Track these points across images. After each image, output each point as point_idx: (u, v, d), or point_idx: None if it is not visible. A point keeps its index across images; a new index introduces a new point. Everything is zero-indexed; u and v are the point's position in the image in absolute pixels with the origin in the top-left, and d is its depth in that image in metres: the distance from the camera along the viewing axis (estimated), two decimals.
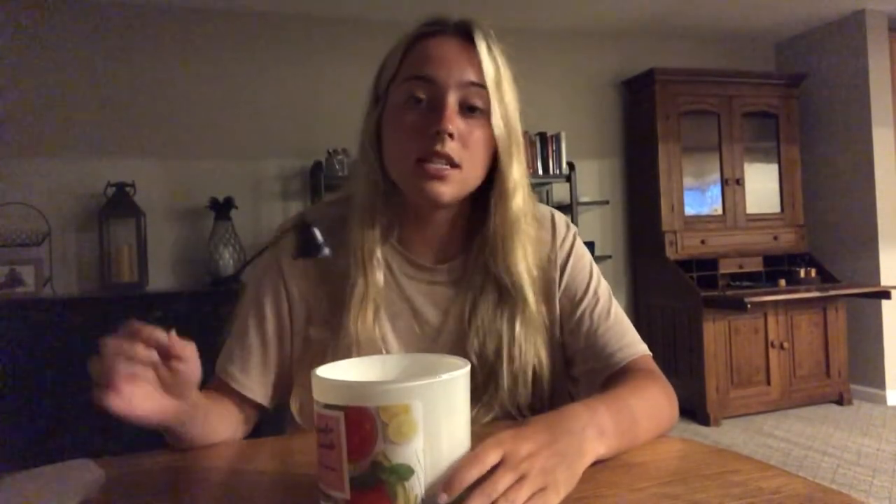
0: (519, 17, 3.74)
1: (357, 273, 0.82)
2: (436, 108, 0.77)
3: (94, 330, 2.55)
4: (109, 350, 0.59)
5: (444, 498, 0.49)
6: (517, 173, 0.81)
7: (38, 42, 3.13)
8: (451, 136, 0.76)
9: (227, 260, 3.14)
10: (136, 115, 3.27)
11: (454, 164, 0.77)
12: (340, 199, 0.91)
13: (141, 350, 0.60)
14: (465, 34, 0.80)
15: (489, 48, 0.79)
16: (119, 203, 3.07)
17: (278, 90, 3.48)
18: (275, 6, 3.42)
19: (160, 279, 3.26)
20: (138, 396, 0.61)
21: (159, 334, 0.61)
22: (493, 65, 0.78)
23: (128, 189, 3.09)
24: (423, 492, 0.49)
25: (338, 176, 3.27)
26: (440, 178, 0.77)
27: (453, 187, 0.78)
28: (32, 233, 3.00)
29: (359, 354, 0.79)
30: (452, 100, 0.77)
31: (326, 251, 0.77)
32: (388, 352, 0.83)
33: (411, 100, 0.78)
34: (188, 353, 0.64)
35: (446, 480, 0.50)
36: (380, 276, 0.84)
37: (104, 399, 0.58)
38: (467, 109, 0.78)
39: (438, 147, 0.76)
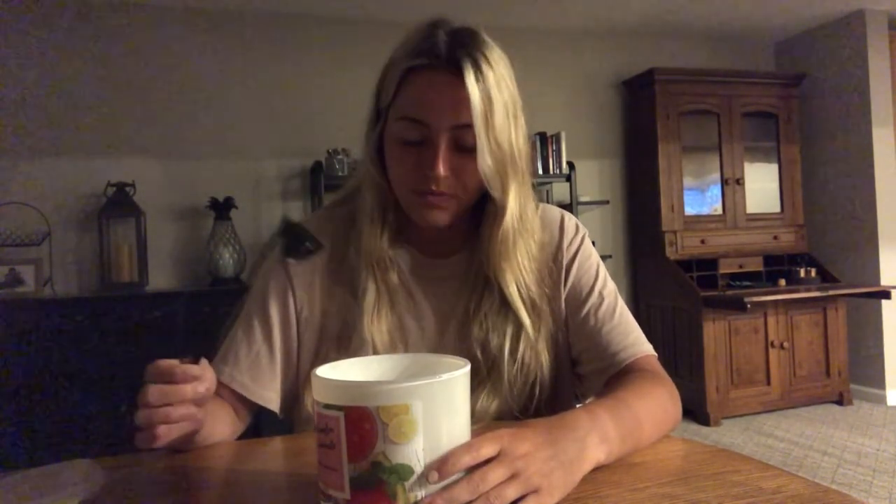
0: (519, 17, 3.74)
1: (367, 278, 0.84)
2: (429, 148, 0.78)
3: (94, 330, 2.54)
4: (156, 400, 0.63)
5: (434, 476, 0.49)
6: (512, 195, 0.81)
7: (37, 42, 3.13)
8: (445, 176, 0.78)
9: (227, 260, 3.15)
10: (136, 115, 3.27)
11: (450, 195, 0.80)
12: (345, 198, 0.93)
13: (189, 391, 0.65)
14: (456, 67, 0.76)
15: (479, 79, 0.76)
16: (119, 203, 3.07)
17: (278, 90, 3.48)
18: (274, 6, 3.42)
19: (160, 279, 3.26)
20: (175, 428, 0.66)
21: (193, 370, 0.65)
22: (483, 100, 0.75)
23: (128, 189, 3.10)
24: (424, 492, 0.49)
25: (338, 176, 3.28)
26: (437, 206, 0.80)
27: (450, 213, 0.82)
28: (32, 233, 3.00)
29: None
30: (444, 143, 0.78)
31: (317, 246, 0.77)
32: (400, 350, 0.85)
33: (406, 138, 0.80)
34: (209, 375, 0.68)
35: (440, 461, 0.50)
36: (393, 276, 0.86)
37: (149, 445, 0.64)
38: (461, 146, 0.79)
39: (434, 187, 0.79)
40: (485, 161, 0.77)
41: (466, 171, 0.79)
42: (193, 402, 0.66)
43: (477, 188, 0.81)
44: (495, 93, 0.77)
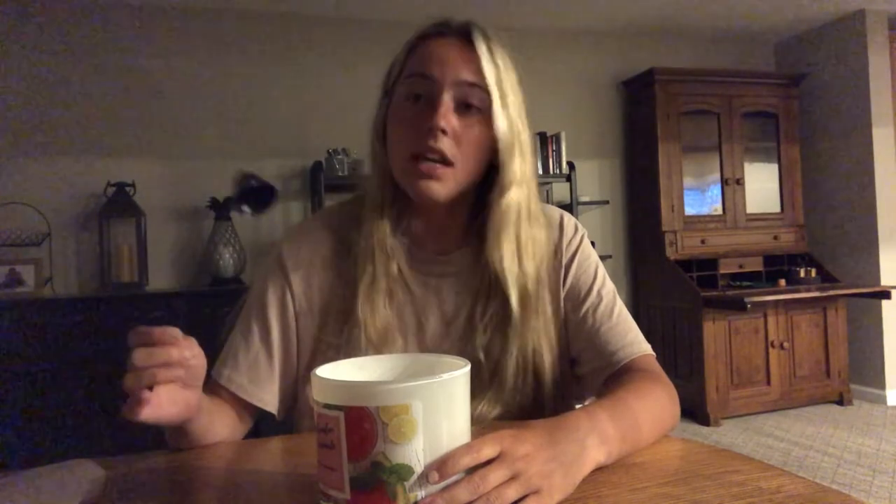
0: (519, 17, 3.74)
1: (366, 261, 0.84)
2: (432, 104, 0.79)
3: (94, 330, 2.54)
4: (142, 361, 0.60)
5: (434, 476, 0.49)
6: (518, 171, 0.82)
7: (38, 42, 3.14)
8: (444, 132, 0.77)
9: (227, 260, 3.14)
10: (136, 115, 3.27)
11: (447, 162, 0.79)
12: (355, 197, 0.93)
13: (175, 352, 0.61)
14: (466, 36, 0.81)
15: (489, 49, 0.80)
16: (119, 203, 3.07)
17: (278, 90, 3.48)
18: (274, 6, 3.42)
19: (160, 279, 3.26)
20: (165, 399, 0.62)
21: (176, 331, 0.62)
22: (493, 66, 0.79)
23: (128, 189, 3.10)
24: (424, 492, 0.49)
25: (338, 176, 3.28)
26: (433, 176, 0.79)
27: (447, 185, 0.80)
28: (32, 233, 3.00)
29: (369, 343, 0.80)
30: (448, 97, 0.78)
31: (265, 186, 0.77)
32: (398, 342, 0.85)
33: (411, 96, 0.81)
34: (197, 350, 0.66)
35: (440, 461, 0.50)
36: (393, 265, 0.85)
37: (136, 413, 0.60)
38: (464, 107, 0.80)
39: (431, 142, 0.77)
40: (500, 121, 0.79)
41: (467, 136, 0.79)
42: (183, 370, 0.62)
43: (475, 160, 0.81)
44: (506, 69, 0.81)
